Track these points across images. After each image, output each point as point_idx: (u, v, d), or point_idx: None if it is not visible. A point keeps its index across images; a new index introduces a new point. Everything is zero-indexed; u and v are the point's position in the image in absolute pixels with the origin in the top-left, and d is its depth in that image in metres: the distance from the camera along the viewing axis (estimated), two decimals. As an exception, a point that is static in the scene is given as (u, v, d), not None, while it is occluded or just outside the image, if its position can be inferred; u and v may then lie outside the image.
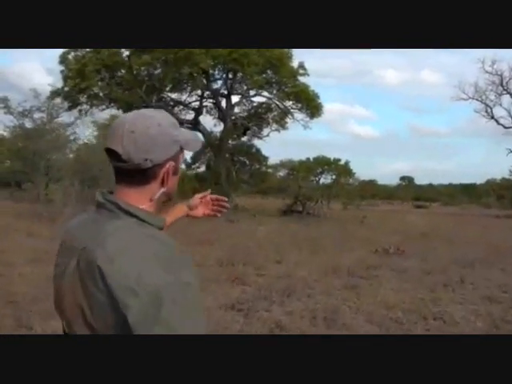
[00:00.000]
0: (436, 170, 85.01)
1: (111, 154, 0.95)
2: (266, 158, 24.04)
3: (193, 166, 22.66)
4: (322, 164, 77.21)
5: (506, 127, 31.04)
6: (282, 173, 55.60)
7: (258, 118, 26.98)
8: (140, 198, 0.97)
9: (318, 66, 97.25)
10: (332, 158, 75.43)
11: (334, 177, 24.41)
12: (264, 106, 26.74)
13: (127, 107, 22.66)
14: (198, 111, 22.58)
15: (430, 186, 78.66)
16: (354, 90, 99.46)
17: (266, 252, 8.99)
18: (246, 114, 26.82)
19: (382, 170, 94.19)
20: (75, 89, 19.93)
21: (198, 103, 23.09)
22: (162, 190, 0.99)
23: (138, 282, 0.84)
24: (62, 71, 20.31)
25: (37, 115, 23.91)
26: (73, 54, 19.42)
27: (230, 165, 22.82)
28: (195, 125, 22.11)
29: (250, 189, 31.74)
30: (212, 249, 8.93)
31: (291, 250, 9.56)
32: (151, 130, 0.94)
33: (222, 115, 22.77)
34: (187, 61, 17.07)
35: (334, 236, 12.60)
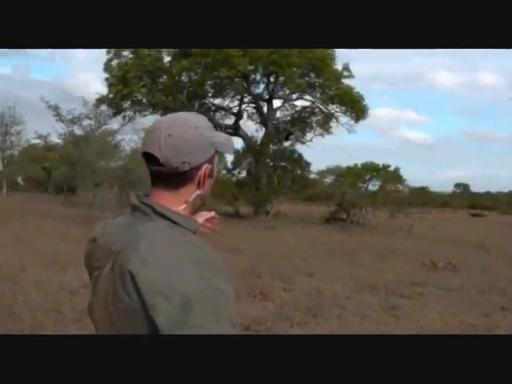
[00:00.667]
0: (494, 176, 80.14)
1: (148, 157, 0.95)
2: (308, 164, 23.27)
3: (233, 172, 22.33)
4: (371, 170, 74.99)
5: None
6: (329, 179, 54.78)
7: (301, 123, 26.33)
8: (175, 201, 0.97)
9: (367, 69, 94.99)
10: (381, 164, 73.04)
11: (382, 183, 23.14)
12: (308, 109, 26.07)
13: (169, 113, 22.87)
14: (238, 116, 22.23)
15: (488, 193, 74.51)
16: (405, 94, 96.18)
17: (299, 263, 8.32)
18: (288, 118, 26.27)
19: (435, 176, 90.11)
20: (118, 95, 20.22)
21: (235, 107, 22.75)
22: (198, 192, 0.98)
23: (169, 286, 0.82)
24: (106, 79, 20.74)
25: (85, 122, 24.62)
26: (116, 61, 19.76)
27: (271, 170, 22.25)
28: (235, 130, 21.78)
29: (293, 195, 31.08)
30: (240, 258, 8.38)
31: (327, 262, 8.83)
32: (188, 133, 0.94)
33: (264, 120, 22.30)
34: (225, 64, 16.75)
35: (377, 246, 11.67)
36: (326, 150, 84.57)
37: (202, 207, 1.05)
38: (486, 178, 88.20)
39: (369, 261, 9.21)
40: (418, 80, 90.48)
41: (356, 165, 66.13)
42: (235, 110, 22.81)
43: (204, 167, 0.96)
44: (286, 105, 25.59)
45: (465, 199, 68.39)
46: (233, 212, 21.83)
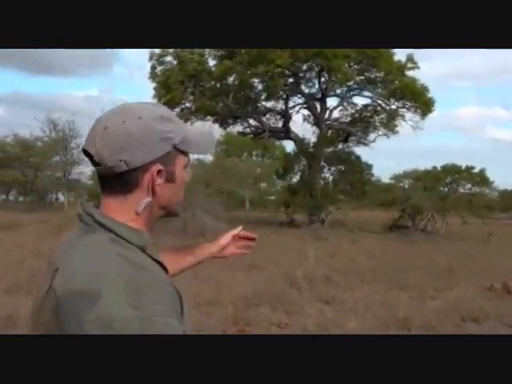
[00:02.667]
0: None
1: (88, 156, 0.81)
2: (369, 167, 21.08)
3: (285, 177, 20.84)
4: (452, 173, 69.78)
5: None
6: (406, 184, 51.33)
7: (363, 123, 24.28)
8: (123, 210, 0.81)
9: (449, 67, 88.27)
10: (464, 166, 67.77)
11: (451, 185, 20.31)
12: (369, 108, 23.95)
13: (218, 118, 22.14)
14: (286, 117, 20.79)
15: None
16: (491, 90, 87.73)
17: (322, 285, 6.72)
18: (348, 118, 24.35)
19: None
20: (165, 103, 19.81)
21: (290, 109, 21.34)
22: (147, 199, 0.81)
23: (89, 309, 0.68)
24: (154, 88, 20.46)
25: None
26: (160, 67, 19.34)
27: (325, 175, 20.53)
28: (285, 132, 20.41)
29: (353, 201, 29.03)
30: (250, 277, 6.99)
31: (361, 283, 7.11)
32: (128, 124, 0.78)
33: (317, 120, 20.66)
34: (262, 59, 15.48)
35: (438, 262, 9.59)
36: (406, 154, 79.75)
37: (172, 217, 0.88)
38: None
39: (421, 281, 7.31)
40: (506, 74, 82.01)
41: (435, 167, 61.63)
42: (289, 113, 21.42)
43: (153, 168, 0.80)
44: (345, 104, 23.81)
45: None
46: (287, 220, 20.44)
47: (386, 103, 20.66)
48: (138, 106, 0.81)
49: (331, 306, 5.53)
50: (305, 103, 21.02)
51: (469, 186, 65.43)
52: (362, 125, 24.20)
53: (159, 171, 0.80)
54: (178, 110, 20.90)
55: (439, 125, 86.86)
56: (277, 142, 39.91)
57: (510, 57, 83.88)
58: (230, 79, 19.21)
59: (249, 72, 17.55)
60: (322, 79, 20.87)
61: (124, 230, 0.79)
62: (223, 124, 23.04)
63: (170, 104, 19.31)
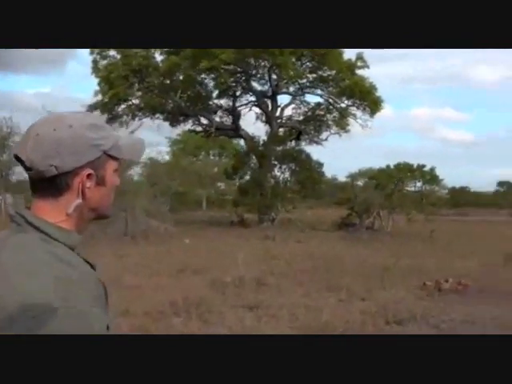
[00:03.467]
0: (542, 173, 74.24)
1: (20, 161, 0.85)
2: (320, 165, 21.08)
3: (234, 177, 20.47)
4: (405, 171, 72.05)
5: None
6: (360, 182, 52.50)
7: (316, 121, 24.31)
8: (55, 212, 0.86)
9: (404, 69, 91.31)
10: (415, 165, 70.18)
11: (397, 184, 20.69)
12: (322, 107, 24.01)
13: (167, 116, 21.48)
14: (235, 115, 20.44)
15: (536, 192, 69.29)
16: (444, 92, 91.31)
17: (251, 289, 6.39)
18: (301, 116, 24.33)
19: (477, 176, 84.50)
20: (113, 100, 18.94)
21: (240, 107, 20.99)
22: (77, 201, 0.86)
23: (20, 302, 0.74)
24: (98, 83, 19.48)
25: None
26: (102, 62, 18.41)
27: (276, 173, 20.31)
28: (235, 130, 20.05)
29: (310, 200, 29.09)
30: (177, 283, 6.56)
31: (295, 285, 6.85)
32: (58, 132, 0.83)
33: (268, 118, 20.43)
34: (206, 54, 15.01)
35: (376, 261, 9.53)
36: (364, 154, 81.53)
37: (103, 219, 0.94)
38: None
39: (355, 282, 7.14)
40: (458, 77, 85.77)
41: (389, 166, 63.69)
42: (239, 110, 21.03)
43: (83, 173, 0.85)
44: (298, 102, 23.76)
45: (509, 198, 63.79)
46: (237, 220, 20.10)
47: (336, 102, 20.73)
48: (69, 115, 0.86)
49: (254, 312, 5.20)
50: (256, 101, 20.73)
51: (419, 184, 67.85)
52: (314, 123, 24.26)
53: (89, 175, 0.85)
54: (123, 106, 20.07)
55: (394, 125, 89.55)
56: (234, 141, 39.52)
57: (459, 60, 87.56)
58: (178, 75, 18.59)
59: (197, 68, 17.02)
60: (274, 77, 20.70)
61: (54, 230, 0.84)
62: (173, 122, 22.40)
63: (114, 100, 18.49)
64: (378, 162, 58.89)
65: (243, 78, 19.89)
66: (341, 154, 72.24)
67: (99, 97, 19.29)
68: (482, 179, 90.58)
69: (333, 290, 6.53)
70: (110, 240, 12.23)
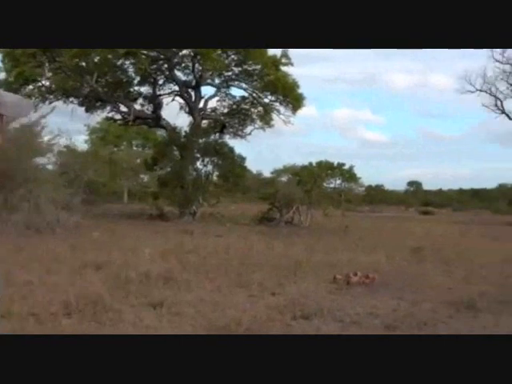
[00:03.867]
0: (446, 175, 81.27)
1: None
2: (243, 159, 21.01)
3: (155, 168, 19.71)
4: (326, 169, 75.02)
5: (518, 123, 27.68)
6: (284, 178, 53.63)
7: (241, 115, 24.17)
8: None
9: (326, 70, 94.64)
10: (336, 163, 73.21)
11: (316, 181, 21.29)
12: (247, 101, 23.93)
13: (83, 101, 20.07)
14: (156, 103, 19.68)
15: (440, 191, 75.81)
16: (363, 94, 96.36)
17: (158, 286, 6.01)
18: (226, 109, 24.06)
19: (390, 175, 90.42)
20: (17, 78, 17.21)
21: (163, 96, 20.22)
22: None
23: None
24: (1, 60, 17.58)
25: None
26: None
27: (199, 166, 19.87)
28: (156, 120, 19.28)
29: (236, 195, 29.03)
30: (79, 280, 5.98)
31: (207, 281, 6.59)
32: None
33: (190, 109, 19.90)
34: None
35: (292, 254, 9.58)
36: (287, 150, 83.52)
37: None
38: (437, 176, 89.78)
39: (264, 279, 7.04)
40: (375, 81, 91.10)
41: (311, 163, 65.63)
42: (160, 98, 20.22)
43: None
44: (223, 95, 23.45)
45: (418, 197, 69.01)
46: (157, 213, 19.38)
47: (260, 96, 20.76)
48: None
49: (158, 310, 4.84)
50: (179, 91, 20.08)
51: (339, 181, 71.15)
52: (239, 117, 24.14)
53: None
54: (31, 87, 18.36)
55: (318, 124, 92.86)
56: (159, 132, 38.25)
57: (379, 65, 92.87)
58: (94, 57, 17.36)
59: (114, 51, 16.01)
60: (199, 67, 20.20)
61: None
62: (89, 107, 21.00)
63: (20, 80, 16.81)
64: (303, 160, 60.80)
65: (165, 65, 19.13)
66: (268, 151, 73.33)
67: (3, 75, 17.48)
68: (395, 178, 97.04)
69: (244, 285, 6.37)
70: (11, 233, 11.08)
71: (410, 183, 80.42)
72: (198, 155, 20.01)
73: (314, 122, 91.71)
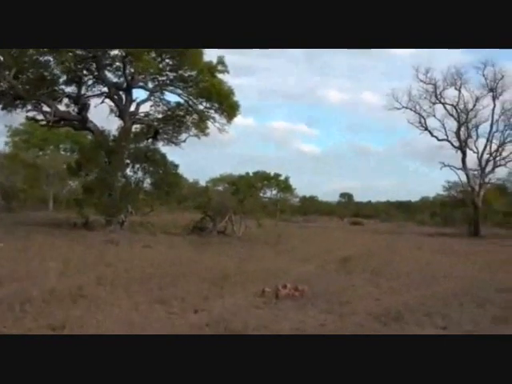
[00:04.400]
0: (374, 187, 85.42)
1: None
2: (176, 167, 20.28)
3: (80, 173, 18.42)
4: (262, 179, 75.64)
5: (439, 139, 29.58)
6: (221, 187, 53.13)
7: (176, 121, 23.47)
8: None
9: (263, 83, 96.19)
10: (272, 173, 74.06)
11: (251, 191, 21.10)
12: (182, 107, 23.29)
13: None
14: (81, 104, 18.49)
15: (369, 203, 79.41)
16: (299, 109, 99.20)
17: (64, 304, 5.32)
18: (160, 115, 23.25)
19: (324, 187, 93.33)
20: None
21: (94, 98, 19.07)
22: None
23: None
24: None
25: None
26: None
27: (129, 173, 18.86)
28: (82, 122, 18.09)
29: (167, 203, 28.05)
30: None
31: (125, 296, 5.97)
32: None
33: (120, 112, 18.91)
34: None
35: (222, 266, 9.18)
36: (225, 160, 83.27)
37: None
38: (367, 189, 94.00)
39: (187, 294, 6.56)
40: (311, 96, 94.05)
41: (248, 173, 65.44)
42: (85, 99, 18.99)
43: None
44: (157, 100, 22.62)
45: (349, 208, 71.63)
46: (82, 222, 18.05)
47: (194, 103, 20.26)
48: None
49: (58, 333, 4.19)
50: (108, 92, 19.02)
51: (275, 192, 72.05)
52: (173, 123, 23.44)
53: None
54: None
55: (257, 134, 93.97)
56: (90, 136, 36.20)
57: (314, 81, 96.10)
58: (11, 50, 15.91)
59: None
60: (132, 69, 19.30)
61: None
62: (7, 105, 19.24)
63: None
64: (240, 169, 60.77)
65: (94, 65, 18.04)
66: (206, 160, 72.67)
67: None
68: (328, 190, 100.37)
69: (166, 300, 5.84)
70: None
71: (342, 195, 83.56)
72: (128, 161, 19.01)
73: (252, 133, 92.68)
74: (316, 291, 7.03)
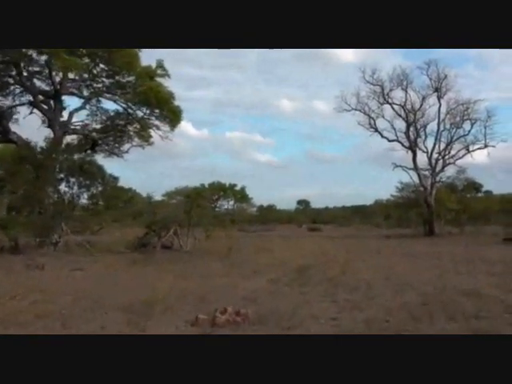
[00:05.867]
0: (331, 193, 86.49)
1: None
2: (116, 179, 18.64)
3: (3, 190, 16.40)
4: (218, 190, 74.26)
5: (389, 140, 29.54)
6: (175, 200, 51.36)
7: (117, 131, 21.83)
8: None
9: (216, 95, 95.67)
10: (228, 184, 72.90)
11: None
12: (122, 116, 21.69)
13: None
14: (2, 114, 16.56)
15: (326, 209, 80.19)
16: (253, 119, 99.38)
17: None
18: (98, 125, 21.54)
19: (281, 195, 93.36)
20: None
21: (14, 106, 17.12)
22: None
23: None
24: None
25: None
26: None
27: (65, 189, 17.06)
28: (3, 133, 16.16)
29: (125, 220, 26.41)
30: None
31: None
32: None
33: (49, 121, 17.10)
34: None
35: (159, 286, 7.82)
36: (184, 173, 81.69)
37: None
38: (324, 195, 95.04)
39: (106, 327, 5.20)
40: (264, 106, 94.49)
41: (203, 185, 64.34)
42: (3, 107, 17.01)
43: None
44: (94, 108, 20.92)
45: (307, 215, 71.87)
46: (10, 245, 16.01)
47: (132, 108, 18.78)
48: None
49: None
50: (33, 101, 17.16)
51: (231, 202, 70.92)
52: (114, 133, 21.82)
53: None
54: None
55: (210, 146, 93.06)
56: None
57: (265, 91, 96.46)
58: None
59: None
60: (60, 74, 17.60)
61: None
62: None
63: None
64: (196, 182, 59.48)
65: (14, 70, 16.21)
66: (161, 174, 70.81)
67: None
68: (285, 198, 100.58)
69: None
70: None
71: (300, 202, 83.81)
72: (62, 175, 17.20)
73: (207, 145, 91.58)
74: (263, 313, 5.86)
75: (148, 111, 18.76)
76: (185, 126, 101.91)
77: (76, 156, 17.61)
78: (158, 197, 19.64)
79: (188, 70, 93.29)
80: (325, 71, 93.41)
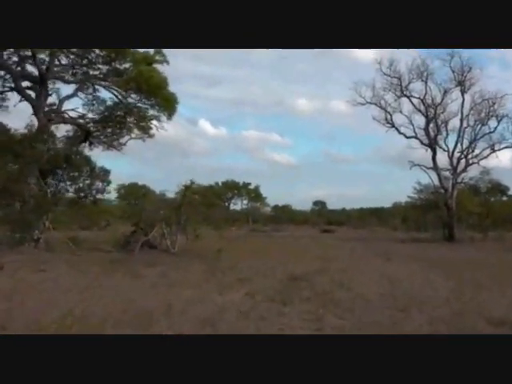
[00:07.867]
0: (348, 195, 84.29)
1: None
2: (107, 172, 17.29)
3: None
4: (232, 188, 72.81)
5: (407, 137, 27.45)
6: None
7: (116, 123, 20.52)
8: None
9: (234, 93, 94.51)
10: (242, 182, 71.42)
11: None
12: (120, 106, 20.37)
13: None
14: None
15: (343, 210, 78.53)
16: (270, 118, 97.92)
17: None
18: (96, 115, 20.27)
19: (297, 195, 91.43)
20: None
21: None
22: None
23: None
24: None
25: None
26: None
27: (51, 181, 15.83)
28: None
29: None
30: None
31: None
32: None
33: (33, 108, 15.86)
34: None
35: (100, 303, 6.32)
36: (197, 171, 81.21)
37: None
38: (341, 197, 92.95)
39: None
40: (282, 105, 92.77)
41: (217, 183, 62.63)
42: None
43: None
44: (90, 97, 19.65)
45: (322, 216, 70.28)
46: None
47: (123, 96, 17.40)
48: None
49: None
50: (14, 86, 15.95)
51: (245, 201, 69.66)
52: (113, 125, 20.53)
53: None
54: None
55: (227, 145, 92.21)
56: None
57: (282, 90, 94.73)
58: None
59: None
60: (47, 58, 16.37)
61: None
62: None
63: None
64: (212, 180, 58.48)
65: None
66: (179, 172, 70.12)
67: None
68: (302, 198, 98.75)
69: None
70: None
71: (316, 203, 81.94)
72: (47, 167, 15.93)
73: (224, 144, 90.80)
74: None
75: (139, 98, 17.36)
76: (203, 124, 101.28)
77: (61, 146, 16.35)
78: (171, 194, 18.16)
79: (205, 69, 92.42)
80: (344, 70, 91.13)
